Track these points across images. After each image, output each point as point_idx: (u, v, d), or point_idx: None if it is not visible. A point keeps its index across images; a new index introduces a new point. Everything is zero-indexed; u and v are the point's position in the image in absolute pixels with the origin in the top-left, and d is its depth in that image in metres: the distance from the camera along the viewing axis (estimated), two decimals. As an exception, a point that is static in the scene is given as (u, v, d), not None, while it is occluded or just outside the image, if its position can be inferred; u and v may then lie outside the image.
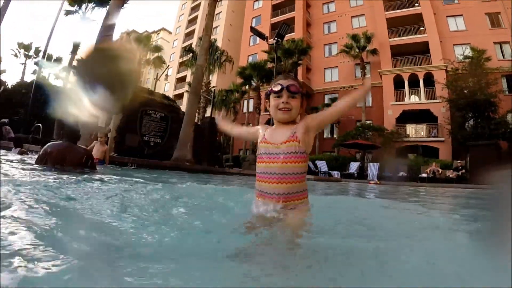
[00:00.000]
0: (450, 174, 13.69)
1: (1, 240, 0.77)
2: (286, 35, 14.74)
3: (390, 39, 23.45)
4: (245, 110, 28.45)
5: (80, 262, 0.71)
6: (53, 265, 0.66)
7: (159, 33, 51.59)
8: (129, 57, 2.13)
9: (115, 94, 2.00)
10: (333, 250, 0.96)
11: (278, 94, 1.36)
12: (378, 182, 11.93)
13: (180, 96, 36.58)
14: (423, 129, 20.62)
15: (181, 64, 37.93)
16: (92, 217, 1.25)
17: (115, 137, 9.33)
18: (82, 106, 2.06)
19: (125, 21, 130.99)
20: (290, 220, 1.22)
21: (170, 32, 50.23)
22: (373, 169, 15.71)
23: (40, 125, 11.14)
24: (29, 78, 28.92)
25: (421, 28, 22.71)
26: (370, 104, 23.23)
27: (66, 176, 2.41)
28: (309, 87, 26.55)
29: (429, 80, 20.81)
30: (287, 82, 1.35)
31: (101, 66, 2.06)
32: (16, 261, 0.66)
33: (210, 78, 25.29)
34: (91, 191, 1.90)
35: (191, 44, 33.59)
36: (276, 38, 13.16)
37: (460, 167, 13.86)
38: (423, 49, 21.79)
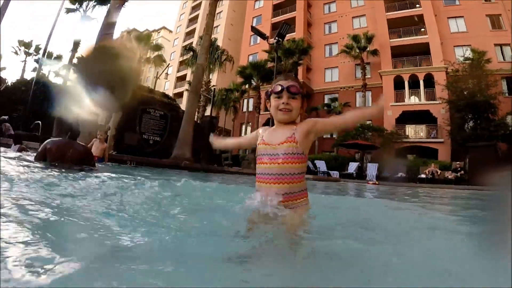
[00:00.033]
0: (449, 175, 13.69)
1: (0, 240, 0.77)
2: (287, 35, 14.73)
3: (391, 40, 23.44)
4: (244, 109, 28.47)
5: (77, 261, 0.71)
6: (50, 265, 0.66)
7: (159, 32, 51.53)
8: (129, 56, 2.13)
9: (115, 92, 2.00)
10: (333, 250, 0.96)
11: (279, 94, 1.36)
12: (376, 183, 11.96)
13: (180, 94, 36.55)
14: (423, 130, 20.63)
15: (181, 63, 37.83)
16: (89, 216, 1.24)
17: (114, 135, 9.31)
18: (82, 103, 2.06)
19: (126, 20, 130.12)
20: (290, 219, 1.22)
21: (170, 31, 50.18)
22: (372, 169, 15.73)
23: (40, 122, 11.12)
24: (29, 75, 28.94)
25: (422, 29, 22.71)
26: (370, 105, 23.22)
27: (65, 173, 2.41)
28: (309, 87, 26.56)
29: (429, 81, 20.80)
30: (287, 83, 1.35)
31: (102, 64, 2.06)
32: (15, 260, 0.65)
33: (210, 77, 25.27)
34: (89, 189, 1.90)
35: (191, 43, 33.61)
36: (276, 38, 13.14)
37: (459, 168, 13.85)
38: (423, 50, 21.78)
